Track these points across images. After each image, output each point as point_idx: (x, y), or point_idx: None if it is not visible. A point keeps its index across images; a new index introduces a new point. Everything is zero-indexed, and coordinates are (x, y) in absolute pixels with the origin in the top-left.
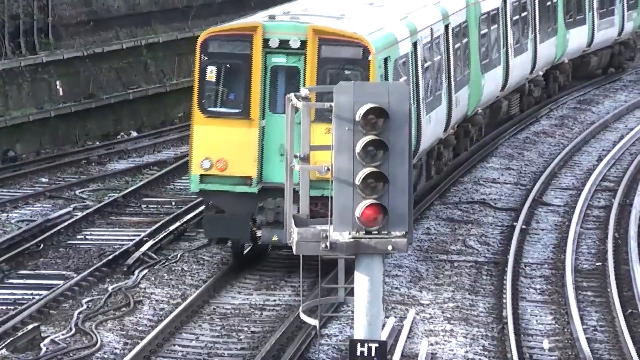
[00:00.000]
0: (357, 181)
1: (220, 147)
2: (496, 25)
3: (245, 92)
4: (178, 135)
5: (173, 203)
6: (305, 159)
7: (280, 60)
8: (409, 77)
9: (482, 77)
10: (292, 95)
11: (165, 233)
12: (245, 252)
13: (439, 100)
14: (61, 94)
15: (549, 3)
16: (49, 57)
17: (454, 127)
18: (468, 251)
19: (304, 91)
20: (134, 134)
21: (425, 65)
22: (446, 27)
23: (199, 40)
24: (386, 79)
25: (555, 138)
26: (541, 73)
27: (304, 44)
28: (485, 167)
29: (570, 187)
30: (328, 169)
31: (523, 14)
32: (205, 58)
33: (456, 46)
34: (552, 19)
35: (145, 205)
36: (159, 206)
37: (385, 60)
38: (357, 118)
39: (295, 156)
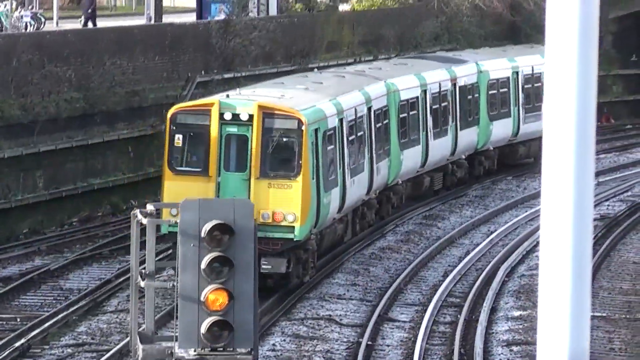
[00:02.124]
0: (202, 297)
1: (184, 197)
2: (415, 111)
3: (205, 154)
4: (23, 251)
5: (18, 319)
6: (151, 276)
7: (232, 129)
8: (336, 146)
9: (402, 153)
10: (137, 211)
11: (10, 350)
12: None
13: (362, 168)
14: None
15: (470, 97)
16: None
17: (376, 192)
18: None
19: (149, 207)
20: None
21: (350, 138)
22: (369, 109)
23: (169, 114)
24: (317, 146)
25: (401, 254)
26: (464, 157)
27: (251, 117)
28: (330, 282)
29: (416, 303)
30: (173, 285)
31: (443, 104)
32: (174, 128)
33: (377, 125)
34: (474, 111)
35: None
36: (4, 323)
37: (316, 131)
38: (203, 235)
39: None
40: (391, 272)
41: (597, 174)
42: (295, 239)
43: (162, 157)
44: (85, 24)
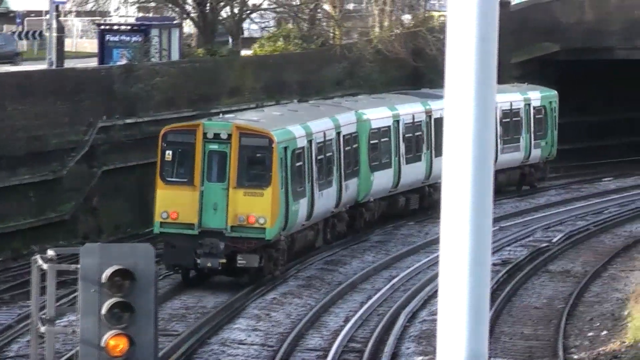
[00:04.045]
0: (103, 343)
1: (173, 204)
2: (387, 138)
3: (191, 167)
4: None
5: None
6: (52, 321)
7: (214, 146)
8: (304, 163)
9: (372, 174)
10: (38, 256)
11: None
12: (191, 275)
13: (330, 183)
14: None
15: None
16: None
17: (345, 206)
18: None
19: (49, 253)
20: None
21: (319, 157)
22: (338, 134)
23: (161, 133)
24: (286, 161)
25: (302, 299)
26: (440, 181)
27: (230, 136)
28: (232, 328)
29: (317, 348)
30: (74, 331)
31: (417, 133)
32: (164, 145)
33: (346, 148)
34: None
35: None
36: None
37: (285, 148)
38: (103, 280)
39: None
40: (292, 317)
41: (499, 219)
42: (266, 239)
43: (64, 201)
44: None
